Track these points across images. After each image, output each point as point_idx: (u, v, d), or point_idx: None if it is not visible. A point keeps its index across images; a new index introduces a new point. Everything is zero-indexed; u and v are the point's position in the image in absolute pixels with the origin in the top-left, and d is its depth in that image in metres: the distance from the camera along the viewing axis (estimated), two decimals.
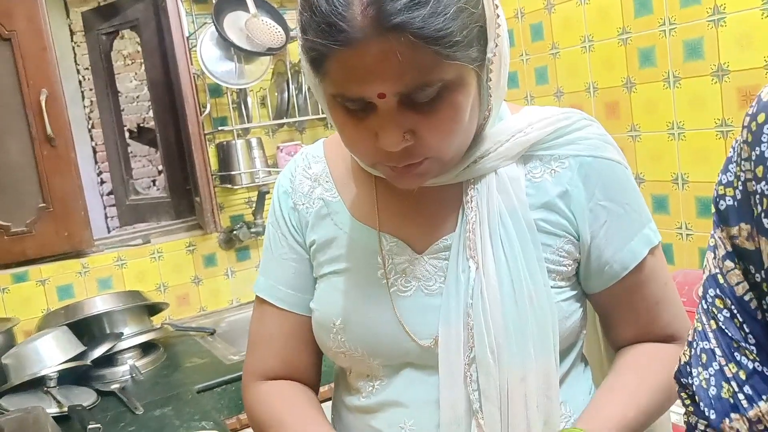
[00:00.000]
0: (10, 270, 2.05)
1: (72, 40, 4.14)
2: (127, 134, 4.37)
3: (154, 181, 4.52)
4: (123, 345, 1.88)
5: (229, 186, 2.26)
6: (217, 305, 2.36)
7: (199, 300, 2.33)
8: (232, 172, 2.22)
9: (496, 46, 0.69)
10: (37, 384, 1.65)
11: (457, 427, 0.75)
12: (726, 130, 1.51)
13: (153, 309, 2.09)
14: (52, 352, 1.71)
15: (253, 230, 2.29)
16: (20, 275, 2.06)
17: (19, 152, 2.03)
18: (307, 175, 0.88)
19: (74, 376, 1.75)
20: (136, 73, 4.34)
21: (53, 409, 1.56)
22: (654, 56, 1.64)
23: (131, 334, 1.93)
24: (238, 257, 2.39)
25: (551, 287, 0.76)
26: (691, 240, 1.64)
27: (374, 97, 0.65)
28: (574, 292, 0.81)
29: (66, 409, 1.56)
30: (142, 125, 4.35)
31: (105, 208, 4.30)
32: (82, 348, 1.78)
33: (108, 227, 4.25)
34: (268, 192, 2.24)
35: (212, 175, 2.22)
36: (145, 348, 1.95)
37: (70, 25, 4.10)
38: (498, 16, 0.70)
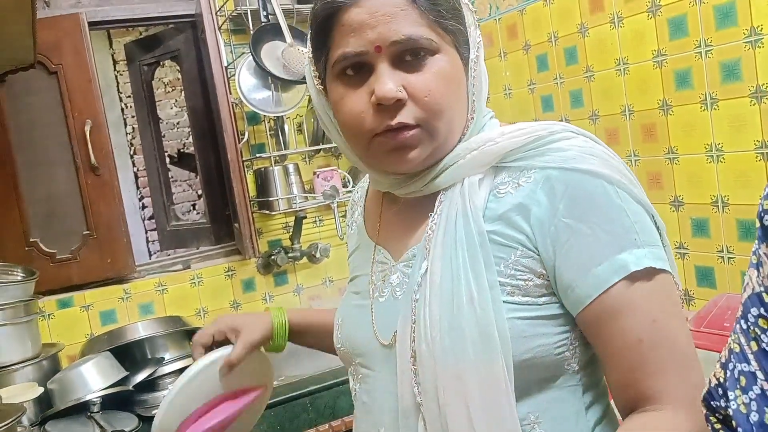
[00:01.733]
0: (55, 296, 2.11)
1: (115, 69, 4.28)
2: (167, 160, 4.49)
3: (194, 206, 4.61)
4: (164, 370, 1.91)
5: (267, 212, 2.29)
6: None
7: None
8: (270, 198, 2.25)
9: (477, 50, 0.79)
10: (81, 409, 1.68)
11: (406, 420, 0.77)
12: (766, 152, 1.49)
13: (193, 334, 2.12)
14: (95, 378, 1.75)
15: (290, 255, 2.32)
16: (65, 301, 2.12)
17: (64, 181, 2.11)
18: (354, 199, 1.03)
19: (117, 401, 1.78)
20: (176, 100, 4.46)
21: None
22: (690, 78, 1.62)
23: (172, 359, 1.96)
24: (276, 282, 2.41)
25: (506, 302, 0.72)
26: (733, 263, 1.61)
27: (371, 49, 0.73)
28: (541, 313, 0.74)
29: None
30: (182, 150, 4.45)
31: (146, 232, 4.40)
32: (125, 373, 1.82)
33: (149, 252, 4.34)
34: (305, 217, 2.27)
35: (250, 201, 2.25)
36: None
37: (113, 55, 4.24)
38: (477, 27, 0.79)
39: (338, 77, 0.77)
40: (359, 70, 0.75)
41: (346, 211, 1.06)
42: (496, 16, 2.19)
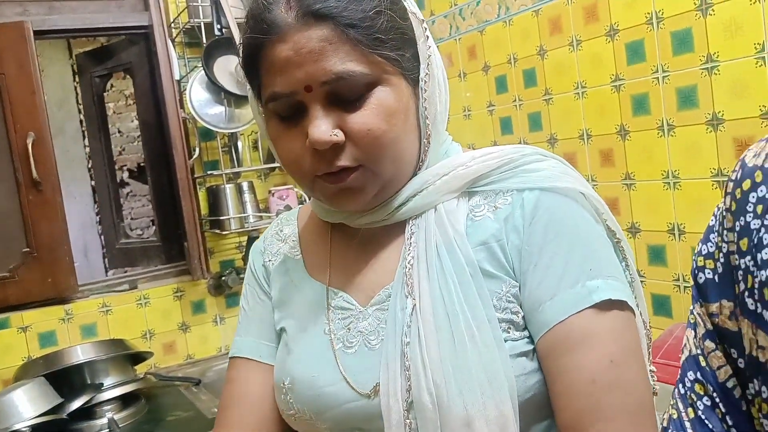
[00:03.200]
0: None
1: (74, 80, 4.17)
2: (126, 174, 4.38)
3: (153, 221, 4.50)
4: (103, 396, 1.82)
5: (219, 231, 2.22)
6: (206, 353, 2.30)
7: (186, 348, 2.27)
8: (222, 217, 2.18)
9: (428, 66, 0.72)
10: None
11: None
12: (722, 180, 1.46)
13: (137, 357, 2.03)
14: (25, 406, 1.66)
15: (242, 276, 2.24)
16: (1, 322, 2.02)
17: (4, 196, 2.01)
18: (279, 237, 0.90)
19: (49, 430, 1.68)
20: (137, 113, 4.37)
21: None
22: (648, 104, 1.60)
23: (111, 385, 1.87)
24: (228, 303, 2.34)
25: (504, 339, 0.66)
26: (689, 292, 1.58)
27: (301, 90, 0.67)
28: (533, 346, 0.68)
29: None
30: (141, 165, 4.34)
31: (103, 248, 4.28)
32: (59, 400, 1.73)
33: (106, 268, 4.22)
34: (257, 237, 2.20)
35: (202, 219, 2.18)
36: (126, 399, 1.89)
37: (72, 65, 4.13)
38: (428, 38, 0.72)
39: (272, 116, 0.71)
40: (292, 110, 0.69)
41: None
42: (456, 36, 2.16)
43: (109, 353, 1.90)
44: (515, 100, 1.98)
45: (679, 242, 1.58)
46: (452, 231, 0.70)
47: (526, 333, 0.68)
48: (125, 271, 2.66)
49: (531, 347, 0.67)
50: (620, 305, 0.66)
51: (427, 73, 0.72)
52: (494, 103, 2.06)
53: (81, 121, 4.22)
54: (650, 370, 0.71)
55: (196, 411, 1.83)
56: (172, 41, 2.12)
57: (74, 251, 2.17)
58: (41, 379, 1.75)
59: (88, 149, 4.20)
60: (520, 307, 0.68)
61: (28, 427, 1.60)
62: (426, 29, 0.73)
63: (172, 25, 2.17)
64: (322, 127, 0.66)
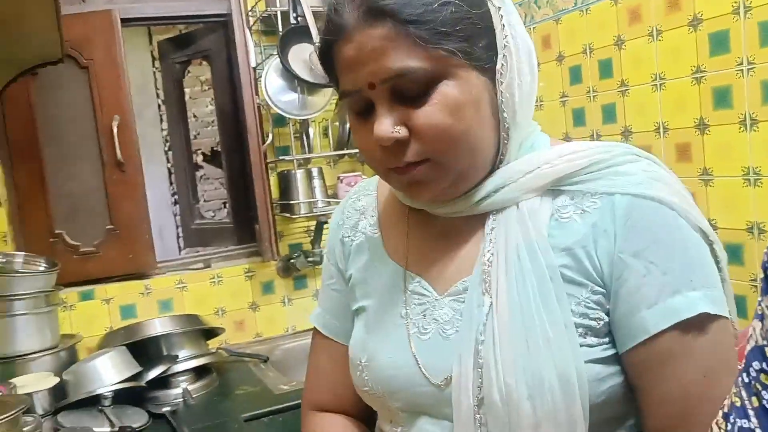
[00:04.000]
0: (77, 288, 2.13)
1: (153, 66, 4.34)
2: (201, 157, 4.53)
3: (225, 203, 4.64)
4: (177, 368, 1.90)
5: (289, 215, 2.28)
6: (273, 332, 2.37)
7: (255, 326, 2.35)
8: (292, 201, 2.24)
9: (505, 56, 0.70)
10: (93, 402, 1.69)
11: None
12: None
13: (209, 333, 2.12)
14: (109, 372, 1.75)
15: (310, 259, 2.30)
16: (86, 293, 2.14)
17: (90, 176, 2.12)
18: (356, 207, 0.90)
19: (129, 396, 1.78)
20: (212, 99, 4.50)
21: (106, 429, 1.60)
22: (730, 97, 1.55)
23: (186, 358, 1.95)
24: (295, 285, 2.40)
25: (580, 345, 0.66)
26: None
27: (365, 87, 0.68)
28: (612, 352, 0.68)
29: (117, 429, 1.59)
30: (215, 149, 4.48)
31: (177, 228, 4.45)
32: (138, 369, 1.82)
33: (179, 247, 4.38)
34: (326, 222, 2.25)
35: (272, 203, 2.24)
36: (199, 372, 1.97)
37: (152, 52, 4.29)
38: (506, 26, 0.70)
39: (349, 110, 0.74)
40: (363, 106, 0.71)
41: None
42: (530, 25, 2.14)
43: (185, 327, 1.99)
44: (589, 91, 1.95)
45: (758, 241, 1.53)
46: (534, 233, 0.69)
47: (605, 339, 0.68)
48: (197, 251, 2.76)
49: (609, 354, 0.68)
50: (712, 316, 0.65)
51: (503, 64, 0.69)
52: (567, 94, 2.04)
53: (159, 106, 4.39)
54: None
55: (263, 386, 1.90)
56: (249, 29, 2.18)
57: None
58: (122, 348, 1.84)
59: (165, 133, 4.37)
60: (604, 314, 0.67)
61: (110, 392, 1.69)
62: (503, 17, 0.70)
63: (250, 13, 2.23)
64: (384, 125, 0.68)
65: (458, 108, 0.67)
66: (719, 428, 0.55)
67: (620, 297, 0.66)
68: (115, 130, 2.08)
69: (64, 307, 2.08)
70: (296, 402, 1.72)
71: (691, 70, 1.63)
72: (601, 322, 0.67)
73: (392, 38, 0.65)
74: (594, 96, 1.93)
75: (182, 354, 1.96)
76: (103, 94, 2.09)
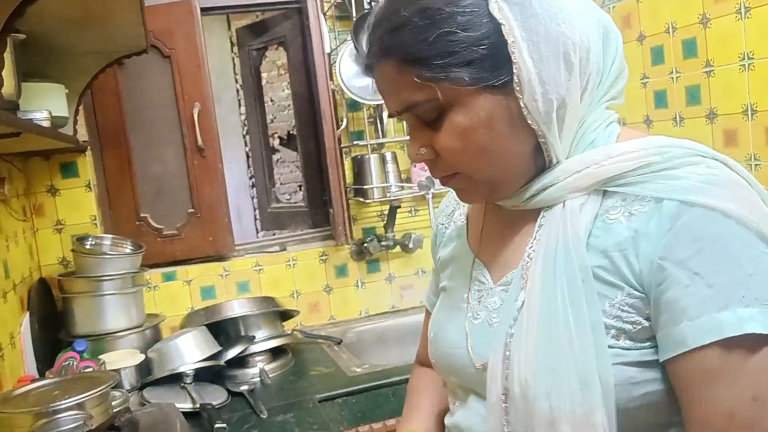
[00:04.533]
0: (161, 269, 2.23)
1: (232, 51, 4.44)
2: (277, 141, 4.63)
3: (300, 186, 4.73)
4: (255, 348, 1.97)
5: (362, 199, 2.30)
6: (347, 315, 2.41)
7: (329, 309, 2.40)
8: (365, 186, 2.26)
9: (516, 70, 0.67)
10: (175, 379, 1.77)
11: None
12: None
13: (285, 315, 2.18)
14: (190, 350, 1.83)
15: (383, 243, 2.32)
16: (169, 274, 2.24)
17: (173, 161, 2.21)
18: (456, 198, 0.94)
19: (209, 374, 1.86)
20: (288, 83, 4.58)
21: (187, 405, 1.67)
22: None
23: (263, 338, 2.02)
24: (369, 269, 2.43)
25: (611, 347, 0.65)
26: None
27: (394, 113, 0.74)
28: (652, 358, 0.66)
29: (198, 406, 1.66)
30: (291, 132, 4.56)
31: (255, 211, 4.57)
32: (218, 348, 1.89)
33: (257, 230, 4.51)
34: (399, 206, 2.26)
35: (346, 187, 2.27)
36: (275, 352, 2.03)
37: (230, 38, 4.40)
38: (515, 40, 0.67)
39: None
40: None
41: (441, 202, 1.02)
42: (609, 4, 2.06)
43: (261, 309, 2.05)
44: (672, 72, 1.87)
45: None
46: (571, 232, 0.69)
47: (646, 344, 0.66)
48: (274, 234, 2.84)
49: (649, 359, 0.66)
50: (763, 338, 0.60)
51: (514, 79, 0.68)
52: (648, 75, 1.96)
53: (237, 91, 4.50)
54: None
55: (336, 368, 1.94)
56: (324, 15, 2.20)
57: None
58: (203, 328, 1.92)
59: (243, 117, 4.48)
60: (643, 318, 0.66)
61: (192, 369, 1.77)
62: (510, 32, 0.67)
63: None
64: (411, 147, 0.75)
65: (466, 133, 0.69)
66: None
67: (661, 305, 0.64)
68: (195, 117, 2.15)
69: (149, 287, 2.19)
70: (369, 384, 1.76)
71: None
72: (638, 326, 0.66)
73: (400, 73, 0.70)
74: (677, 77, 1.85)
75: (259, 335, 2.03)
76: (185, 82, 2.16)
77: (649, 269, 0.64)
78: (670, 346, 0.63)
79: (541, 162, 0.73)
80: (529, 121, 0.69)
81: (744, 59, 1.64)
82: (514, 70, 0.67)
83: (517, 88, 0.68)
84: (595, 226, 0.69)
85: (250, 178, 4.58)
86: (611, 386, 0.64)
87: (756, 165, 1.64)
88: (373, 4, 2.10)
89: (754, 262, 0.61)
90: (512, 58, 0.67)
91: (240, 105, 4.46)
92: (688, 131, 1.84)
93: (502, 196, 0.76)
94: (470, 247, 0.86)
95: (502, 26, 0.67)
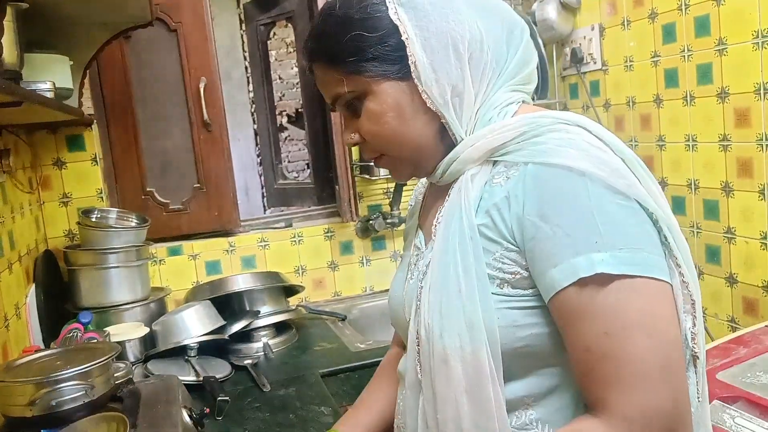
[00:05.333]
0: (167, 243, 2.24)
1: (241, 28, 4.42)
2: (285, 119, 4.61)
3: (308, 164, 4.72)
4: (259, 323, 1.98)
5: (368, 176, 2.29)
6: (351, 291, 2.42)
7: (334, 285, 2.40)
8: (371, 163, 2.24)
9: (412, 62, 0.80)
10: (180, 352, 1.78)
11: (412, 392, 0.86)
12: None
13: (290, 290, 2.18)
14: (195, 324, 1.84)
15: (389, 221, 2.31)
16: (175, 249, 2.24)
17: (179, 136, 2.21)
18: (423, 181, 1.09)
19: (213, 347, 1.87)
20: (297, 61, 4.55)
21: (191, 378, 1.68)
22: None
23: (268, 313, 2.02)
24: (374, 246, 2.43)
25: (495, 294, 0.76)
26: None
27: (329, 106, 0.88)
28: (534, 304, 0.75)
29: (201, 379, 1.67)
30: (299, 110, 4.55)
31: (262, 187, 4.57)
32: (222, 322, 1.90)
33: (264, 206, 4.51)
34: (404, 184, 2.25)
35: (353, 164, 2.26)
36: (279, 327, 2.04)
37: (239, 14, 4.36)
38: (410, 37, 0.79)
39: None
40: None
41: None
42: None
43: (266, 284, 2.05)
44: (683, 50, 1.84)
45: None
46: (464, 197, 0.80)
47: (528, 292, 0.75)
48: (281, 210, 2.84)
49: (532, 304, 0.75)
50: (619, 276, 0.68)
51: (412, 69, 0.80)
52: (660, 54, 1.93)
53: (246, 68, 4.48)
54: (691, 332, 0.73)
55: (340, 344, 1.95)
56: None
57: (236, 190, 2.35)
58: (207, 302, 1.93)
59: (251, 95, 4.46)
60: (521, 269, 0.75)
61: (196, 343, 1.78)
62: (405, 31, 0.79)
63: None
64: (344, 134, 0.90)
65: (379, 117, 0.83)
66: None
67: (534, 255, 0.73)
68: (202, 91, 2.14)
69: (154, 261, 2.20)
70: (372, 360, 1.76)
71: None
72: (518, 276, 0.76)
73: (326, 72, 0.85)
74: (689, 55, 1.82)
75: (264, 310, 2.03)
76: (191, 56, 2.15)
77: (519, 225, 0.74)
78: (544, 291, 0.73)
79: (449, 141, 0.84)
80: (429, 105, 0.81)
81: (758, 37, 1.60)
82: (411, 62, 0.79)
83: (416, 77, 0.80)
84: (485, 191, 0.80)
85: (258, 155, 4.58)
86: (495, 328, 0.75)
87: (767, 145, 1.62)
88: None
89: (605, 213, 0.70)
90: (407, 51, 0.80)
91: (249, 82, 4.44)
92: (699, 110, 1.81)
93: (424, 173, 0.89)
94: (419, 220, 0.99)
95: (399, 27, 0.79)
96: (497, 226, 0.76)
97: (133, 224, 2.02)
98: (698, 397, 0.74)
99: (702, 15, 1.76)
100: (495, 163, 0.81)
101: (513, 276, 0.76)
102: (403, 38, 0.79)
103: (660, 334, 0.68)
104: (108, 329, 1.75)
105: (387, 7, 0.80)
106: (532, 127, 0.77)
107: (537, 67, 0.87)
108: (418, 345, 0.83)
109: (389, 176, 2.25)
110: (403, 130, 0.83)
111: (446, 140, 0.84)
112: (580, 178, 0.71)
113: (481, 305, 0.75)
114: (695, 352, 0.73)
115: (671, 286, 0.71)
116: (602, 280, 0.68)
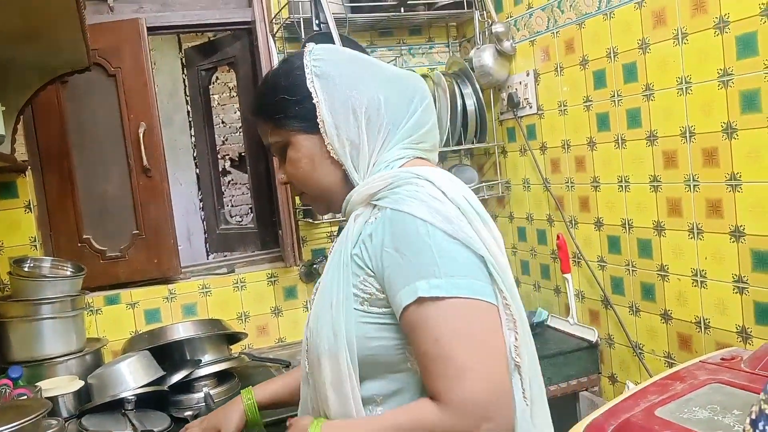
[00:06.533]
0: (104, 292, 2.17)
1: (183, 73, 4.40)
2: (228, 163, 4.58)
3: (251, 209, 4.68)
4: (200, 372, 1.92)
5: (311, 220, 2.28)
6: (296, 337, 2.38)
7: (278, 331, 2.36)
8: None
9: (320, 120, 1.00)
10: (117, 405, 1.71)
11: (305, 386, 1.07)
12: None
13: (232, 338, 2.13)
14: (132, 376, 1.78)
15: None
16: (112, 298, 2.17)
17: (118, 181, 2.16)
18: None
19: (152, 399, 1.80)
20: (239, 105, 4.54)
21: None
22: (759, 100, 1.51)
23: (209, 362, 1.97)
24: None
25: (356, 309, 0.95)
26: None
27: (269, 152, 1.06)
28: (384, 321, 0.94)
29: None
30: (242, 154, 4.52)
31: (205, 233, 4.50)
32: (161, 373, 1.84)
33: (207, 252, 4.44)
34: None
35: (296, 209, 2.26)
36: (221, 376, 1.99)
37: (181, 59, 4.35)
38: (322, 99, 0.99)
39: None
40: None
41: None
42: (554, 29, 2.12)
43: (208, 332, 2.00)
44: (613, 95, 1.92)
45: None
46: (348, 231, 0.98)
47: (382, 310, 0.94)
48: (224, 255, 2.79)
49: (384, 321, 0.94)
50: (448, 297, 0.87)
51: (320, 126, 0.99)
52: (592, 99, 2.01)
53: (188, 112, 4.45)
54: (513, 345, 0.92)
55: None
56: (273, 36, 2.20)
57: (178, 235, 2.30)
58: (146, 352, 1.87)
59: (194, 139, 4.43)
60: (378, 291, 0.93)
61: (133, 395, 1.71)
62: (320, 92, 1.00)
63: (273, 20, 2.25)
64: (277, 175, 1.10)
65: (296, 162, 1.03)
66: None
67: (389, 281, 0.91)
68: (141, 137, 2.11)
69: (91, 311, 2.12)
70: None
71: (718, 73, 1.60)
72: (374, 296, 0.94)
73: (260, 124, 1.07)
74: (619, 100, 1.90)
75: (205, 358, 1.98)
76: (131, 101, 2.13)
77: (377, 256, 0.93)
78: (396, 309, 0.91)
79: (352, 186, 1.00)
80: (332, 155, 1.00)
81: (682, 83, 1.69)
82: (319, 120, 0.99)
83: (323, 132, 1.00)
84: (364, 227, 0.96)
85: (201, 201, 4.52)
86: (352, 336, 0.94)
87: (695, 186, 1.69)
88: (322, 26, 2.10)
89: (441, 249, 0.90)
90: (317, 112, 0.99)
91: (191, 126, 4.40)
92: (630, 153, 1.88)
93: (335, 210, 1.06)
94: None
95: (312, 93, 1.00)
96: (363, 256, 0.94)
97: (68, 273, 1.95)
98: (525, 400, 0.92)
99: (630, 62, 1.85)
100: (375, 206, 0.98)
101: (371, 296, 0.94)
102: (314, 101, 0.99)
103: (481, 342, 0.88)
104: (40, 384, 1.68)
105: (306, 78, 1.01)
106: (395, 180, 0.95)
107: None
108: (307, 346, 1.03)
109: (332, 220, 2.27)
110: (314, 174, 1.03)
111: (350, 185, 1.02)
112: (422, 222, 0.90)
113: (345, 318, 0.95)
114: (517, 362, 0.92)
115: (496, 307, 0.90)
116: (437, 299, 0.88)
